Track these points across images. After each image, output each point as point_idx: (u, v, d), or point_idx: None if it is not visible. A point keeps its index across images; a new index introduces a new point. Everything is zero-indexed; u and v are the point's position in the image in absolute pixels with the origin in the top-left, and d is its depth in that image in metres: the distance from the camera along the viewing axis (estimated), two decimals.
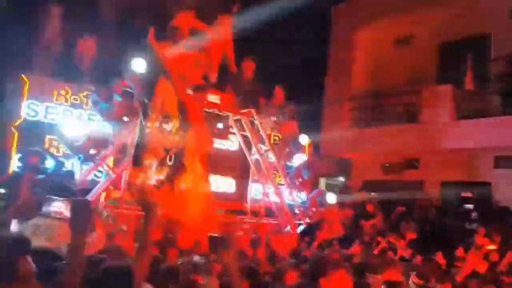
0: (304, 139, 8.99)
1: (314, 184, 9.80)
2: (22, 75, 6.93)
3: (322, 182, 13.01)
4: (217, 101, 8.13)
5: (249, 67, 8.82)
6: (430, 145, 11.60)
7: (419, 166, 12.51)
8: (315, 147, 10.66)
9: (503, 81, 11.34)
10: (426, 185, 12.09)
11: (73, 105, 7.16)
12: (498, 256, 6.80)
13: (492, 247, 7.43)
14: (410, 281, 4.08)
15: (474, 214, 9.95)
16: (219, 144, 8.39)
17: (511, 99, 10.89)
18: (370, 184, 12.76)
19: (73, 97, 7.19)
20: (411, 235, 8.58)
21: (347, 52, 14.04)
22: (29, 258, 2.15)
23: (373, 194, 11.22)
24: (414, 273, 4.25)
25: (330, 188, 12.27)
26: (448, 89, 11.64)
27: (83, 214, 2.27)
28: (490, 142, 10.66)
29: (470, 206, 10.47)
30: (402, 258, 7.15)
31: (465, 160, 11.53)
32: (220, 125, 8.08)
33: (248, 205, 8.39)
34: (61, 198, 4.14)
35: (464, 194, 10.80)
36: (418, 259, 6.80)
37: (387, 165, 13.11)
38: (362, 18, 13.70)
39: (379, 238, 8.39)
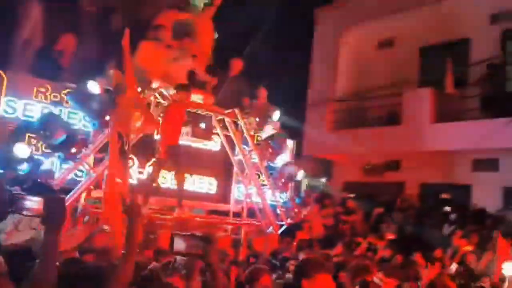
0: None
1: (296, 185, 9.81)
2: (1, 72, 6.80)
3: (304, 182, 13.06)
4: (200, 101, 8.08)
5: (233, 67, 8.79)
6: (410, 147, 11.77)
7: (400, 167, 12.68)
8: (298, 148, 10.69)
9: (482, 85, 11.57)
10: (406, 187, 12.26)
11: (53, 103, 7.05)
12: (475, 258, 6.93)
13: (469, 248, 7.58)
14: (376, 279, 4.13)
15: (452, 216, 10.10)
16: (201, 144, 8.35)
17: (489, 103, 11.12)
18: (351, 185, 12.88)
19: (53, 94, 7.08)
20: (391, 236, 8.67)
21: (330, 54, 14.14)
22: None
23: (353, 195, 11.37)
24: (382, 272, 4.32)
25: (312, 188, 12.33)
26: (428, 92, 11.83)
27: (57, 211, 2.22)
28: (468, 145, 10.87)
29: (448, 208, 10.62)
30: (382, 259, 7.23)
31: (445, 162, 11.72)
32: (202, 125, 8.03)
33: (230, 206, 8.37)
34: (35, 195, 4.06)
35: (443, 196, 10.98)
36: (398, 259, 6.89)
37: (367, 166, 13.24)
38: (345, 20, 13.84)
39: (359, 239, 8.48)
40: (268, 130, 8.58)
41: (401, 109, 12.31)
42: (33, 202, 2.57)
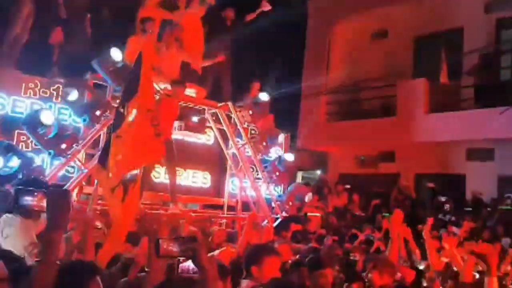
0: (281, 137, 8.95)
1: (291, 178, 9.77)
2: None
3: (299, 175, 13.03)
4: (193, 95, 8.01)
5: (225, 60, 8.72)
6: (405, 138, 11.74)
7: (394, 159, 12.66)
8: (291, 140, 10.64)
9: (475, 75, 11.54)
10: (401, 178, 12.25)
11: (42, 99, 6.94)
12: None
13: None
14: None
15: (447, 206, 10.10)
16: (194, 138, 8.27)
17: (483, 93, 11.09)
18: (345, 177, 12.85)
19: (42, 90, 6.97)
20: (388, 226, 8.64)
21: (324, 46, 14.05)
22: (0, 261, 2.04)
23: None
24: None
25: (306, 181, 12.30)
26: (422, 83, 11.78)
27: (60, 206, 2.12)
28: (462, 135, 10.85)
29: (443, 198, 10.62)
30: (378, 250, 7.20)
31: (439, 152, 11.71)
32: (195, 119, 7.96)
33: (225, 200, 8.32)
34: (37, 190, 3.97)
35: (438, 186, 10.98)
36: None
37: (362, 158, 13.22)
38: (338, 12, 13.73)
39: (354, 231, 8.45)
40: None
41: (395, 100, 12.26)
42: (35, 197, 2.49)
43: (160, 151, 4.62)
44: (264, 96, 8.41)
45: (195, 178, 8.46)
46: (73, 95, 6.14)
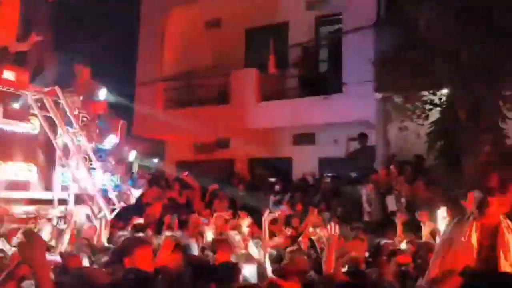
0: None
1: (127, 167, 9.47)
2: None
3: (135, 164, 12.69)
4: (12, 78, 7.15)
5: (49, 42, 7.99)
6: (238, 125, 12.30)
7: (229, 145, 13.18)
8: (127, 128, 10.28)
9: (299, 66, 12.62)
10: (236, 163, 12.83)
11: None
12: (299, 222, 7.60)
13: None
14: None
15: (277, 187, 10.91)
16: (16, 126, 7.42)
17: (306, 83, 12.20)
18: (183, 164, 12.95)
19: None
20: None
21: (158, 33, 13.84)
22: None
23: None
24: None
25: (144, 169, 12.09)
26: (253, 72, 12.44)
27: None
28: (289, 121, 11.80)
29: (273, 179, 11.46)
30: None
31: (269, 138, 12.56)
32: (16, 105, 7.13)
33: (53, 193, 7.65)
34: None
35: (269, 169, 11.80)
36: None
37: (198, 145, 13.49)
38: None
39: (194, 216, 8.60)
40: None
41: (229, 88, 12.72)
42: None
43: None
44: (102, 94, 8.00)
45: (17, 172, 7.60)
46: None
